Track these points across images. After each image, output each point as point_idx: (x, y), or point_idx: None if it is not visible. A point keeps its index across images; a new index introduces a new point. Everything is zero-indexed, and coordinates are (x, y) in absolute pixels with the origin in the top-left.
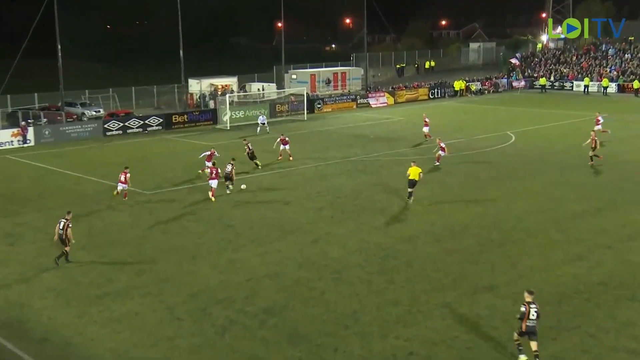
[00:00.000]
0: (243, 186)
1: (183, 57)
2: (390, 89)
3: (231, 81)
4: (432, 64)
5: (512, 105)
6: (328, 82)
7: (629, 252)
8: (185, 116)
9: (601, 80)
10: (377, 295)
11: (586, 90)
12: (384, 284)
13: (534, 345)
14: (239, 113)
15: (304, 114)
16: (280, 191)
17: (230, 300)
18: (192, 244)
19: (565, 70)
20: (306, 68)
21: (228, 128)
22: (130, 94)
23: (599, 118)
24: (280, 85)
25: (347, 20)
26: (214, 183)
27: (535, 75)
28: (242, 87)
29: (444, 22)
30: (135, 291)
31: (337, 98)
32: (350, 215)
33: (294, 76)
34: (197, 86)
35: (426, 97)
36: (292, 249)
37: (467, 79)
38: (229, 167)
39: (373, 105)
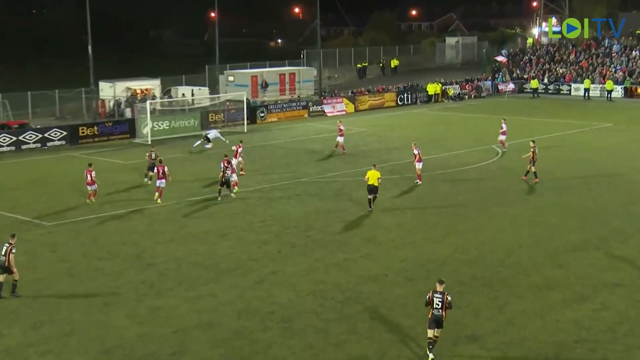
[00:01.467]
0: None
1: (92, 54)
2: (349, 94)
3: (153, 84)
4: (396, 63)
5: (498, 113)
6: (265, 85)
7: None
8: (96, 128)
9: (604, 83)
10: (336, 348)
11: (587, 94)
12: (345, 334)
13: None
14: (162, 124)
15: (243, 124)
16: (215, 220)
17: (153, 358)
18: (104, 287)
19: (561, 71)
20: (246, 68)
21: (149, 142)
22: (25, 100)
23: (503, 126)
24: (214, 90)
25: (297, 10)
26: (161, 183)
27: (525, 76)
28: (166, 92)
29: (414, 13)
30: (31, 349)
31: (284, 105)
32: (301, 250)
33: (230, 78)
34: (110, 91)
35: (394, 104)
36: (230, 293)
37: (443, 81)
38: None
39: (329, 114)
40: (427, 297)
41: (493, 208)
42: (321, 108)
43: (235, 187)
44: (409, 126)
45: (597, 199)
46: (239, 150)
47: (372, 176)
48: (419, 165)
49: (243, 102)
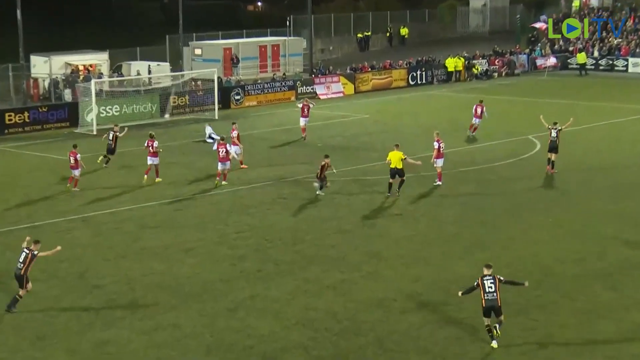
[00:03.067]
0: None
1: (21, 21)
2: (348, 71)
3: (99, 59)
4: (407, 32)
5: (536, 95)
6: (236, 61)
7: None
8: (26, 114)
9: None
10: None
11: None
12: None
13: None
14: (111, 109)
15: (214, 109)
16: (177, 231)
17: None
18: (39, 317)
19: (616, 42)
20: (217, 39)
21: (94, 132)
22: None
23: (478, 109)
24: (176, 66)
25: None
26: (153, 160)
27: (570, 49)
28: (116, 69)
29: None
30: None
31: (266, 85)
32: (288, 269)
33: (198, 51)
34: (45, 67)
35: (404, 84)
36: (197, 323)
37: (466, 54)
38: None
39: (322, 96)
40: (475, 282)
41: (529, 215)
42: (312, 89)
43: (222, 181)
44: (423, 112)
45: None
46: (233, 134)
47: (394, 157)
48: (439, 163)
49: (213, 81)
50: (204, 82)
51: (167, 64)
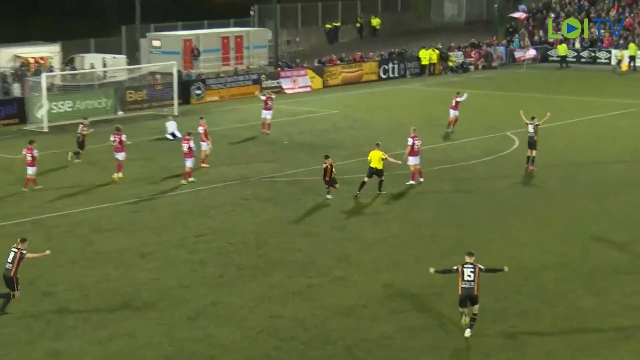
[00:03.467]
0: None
1: None
2: (316, 64)
3: (50, 51)
4: (378, 22)
5: (514, 88)
6: (197, 53)
7: None
8: None
9: None
10: None
11: (632, 63)
12: None
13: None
14: (63, 105)
15: (173, 105)
16: (133, 234)
17: None
18: None
19: (599, 33)
20: (177, 29)
21: (45, 130)
22: None
23: (453, 101)
24: (133, 59)
25: None
26: (120, 155)
27: (551, 40)
28: (68, 62)
29: None
30: None
31: (228, 79)
32: (251, 274)
33: (156, 43)
34: None
35: (375, 77)
36: (155, 332)
37: (441, 46)
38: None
39: (288, 91)
40: (455, 267)
41: (508, 216)
42: (278, 83)
43: (189, 178)
44: (396, 107)
45: None
46: (200, 129)
47: (375, 157)
48: (412, 161)
49: (173, 75)
50: (163, 75)
51: (124, 56)
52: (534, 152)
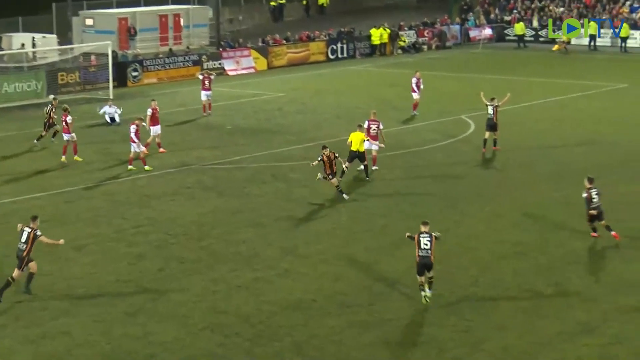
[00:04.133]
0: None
1: None
2: (260, 44)
3: None
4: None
5: (470, 70)
6: (133, 32)
7: None
8: None
9: (617, 27)
10: None
11: (592, 43)
12: None
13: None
14: None
15: (108, 88)
16: (68, 226)
17: None
18: None
19: (557, 11)
20: (111, 7)
21: None
22: None
23: (413, 81)
24: (65, 39)
25: None
26: (69, 136)
27: (507, 19)
28: None
29: None
30: None
31: (167, 60)
32: (193, 268)
33: (89, 22)
34: None
35: (323, 58)
36: (91, 330)
37: (392, 26)
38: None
39: (231, 73)
40: (414, 236)
41: (464, 204)
42: (220, 64)
43: (131, 165)
44: (345, 90)
45: (610, 192)
46: (149, 112)
47: (356, 139)
48: (367, 145)
49: (108, 56)
50: (97, 56)
51: (54, 36)
52: (496, 134)
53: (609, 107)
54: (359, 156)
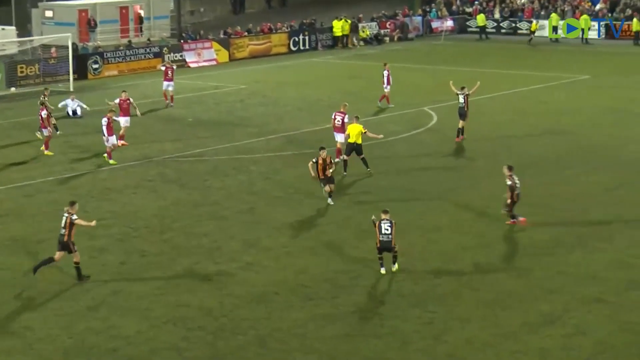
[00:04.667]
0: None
1: None
2: (221, 36)
3: None
4: None
5: (432, 61)
6: (94, 24)
7: (630, 310)
8: None
9: (578, 19)
10: None
11: (555, 34)
12: None
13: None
14: None
15: (69, 80)
16: (27, 221)
17: None
18: None
19: (519, 2)
20: None
21: None
22: None
23: (387, 73)
24: (24, 31)
25: None
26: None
27: (469, 10)
28: None
29: None
30: None
31: (128, 53)
32: (155, 261)
33: (49, 13)
34: None
35: (285, 50)
36: (53, 325)
37: (354, 17)
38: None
39: (192, 65)
40: (375, 222)
41: (427, 197)
42: (181, 56)
43: (106, 156)
44: (307, 82)
45: (572, 183)
46: (116, 101)
47: (354, 131)
48: (338, 137)
49: (68, 48)
50: (57, 48)
51: (13, 28)
52: (462, 123)
53: (571, 98)
54: (356, 148)
